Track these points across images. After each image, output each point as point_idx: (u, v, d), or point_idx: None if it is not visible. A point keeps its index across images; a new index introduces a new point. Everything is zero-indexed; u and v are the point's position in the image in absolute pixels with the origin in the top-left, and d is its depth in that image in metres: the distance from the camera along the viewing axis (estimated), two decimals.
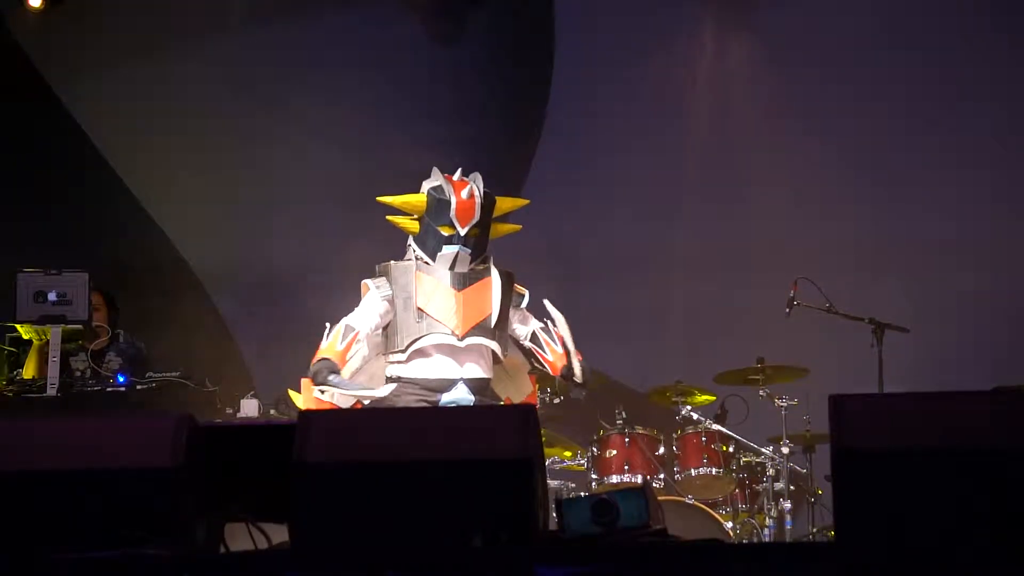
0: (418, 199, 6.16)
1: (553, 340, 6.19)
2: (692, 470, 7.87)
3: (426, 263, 6.13)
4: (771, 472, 7.88)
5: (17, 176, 9.54)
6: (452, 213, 6.06)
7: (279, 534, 4.24)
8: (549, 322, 6.19)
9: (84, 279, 7.52)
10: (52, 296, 7.45)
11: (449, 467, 4.02)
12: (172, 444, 4.10)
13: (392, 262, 6.22)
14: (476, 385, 6.08)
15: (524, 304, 6.25)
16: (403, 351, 6.05)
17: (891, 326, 7.80)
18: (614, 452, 7.87)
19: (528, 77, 9.76)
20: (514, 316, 6.22)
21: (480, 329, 6.07)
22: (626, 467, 7.83)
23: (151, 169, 9.62)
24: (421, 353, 6.07)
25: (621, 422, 7.99)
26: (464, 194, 6.08)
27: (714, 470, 7.85)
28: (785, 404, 7.91)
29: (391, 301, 6.10)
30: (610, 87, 9.55)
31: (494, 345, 6.10)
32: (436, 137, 9.50)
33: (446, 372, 6.05)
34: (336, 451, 4.04)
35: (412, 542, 3.96)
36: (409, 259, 6.19)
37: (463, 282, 6.11)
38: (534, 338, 6.22)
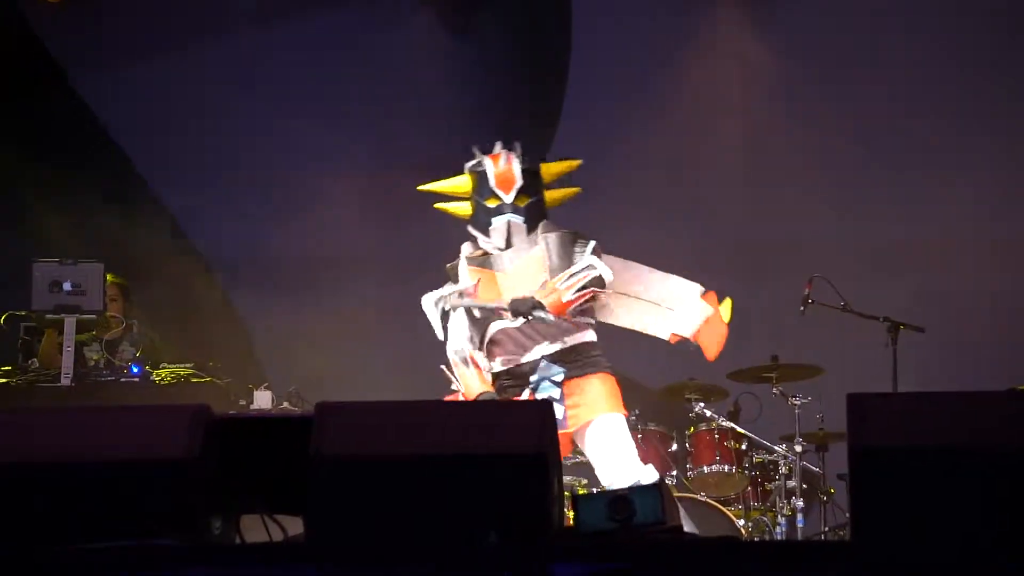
0: (461, 181, 6.13)
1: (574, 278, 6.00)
2: (705, 467, 7.87)
3: (479, 248, 6.06)
4: (784, 470, 7.87)
5: (34, 166, 9.55)
6: (492, 183, 6.01)
7: (294, 526, 4.25)
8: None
9: (99, 269, 7.54)
10: (67, 286, 7.48)
11: (465, 462, 4.02)
12: (188, 436, 4.10)
13: (449, 264, 6.18)
14: (558, 356, 5.94)
15: (589, 252, 6.05)
16: (480, 347, 5.99)
17: (906, 325, 7.78)
18: None
19: (545, 69, 9.74)
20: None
21: None
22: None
23: (167, 161, 9.62)
24: (496, 344, 5.99)
25: (634, 419, 7.96)
26: (501, 163, 6.03)
27: (727, 468, 7.84)
28: (799, 402, 7.90)
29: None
30: (627, 83, 9.53)
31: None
32: (450, 129, 9.49)
33: (524, 355, 5.94)
34: (353, 444, 4.04)
35: (427, 536, 3.96)
36: (461, 254, 6.16)
37: (510, 260, 6.02)
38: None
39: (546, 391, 5.91)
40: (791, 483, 7.82)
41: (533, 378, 5.94)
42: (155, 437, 4.16)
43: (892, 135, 9.21)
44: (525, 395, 5.95)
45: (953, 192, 9.00)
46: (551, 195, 6.16)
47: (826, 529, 7.97)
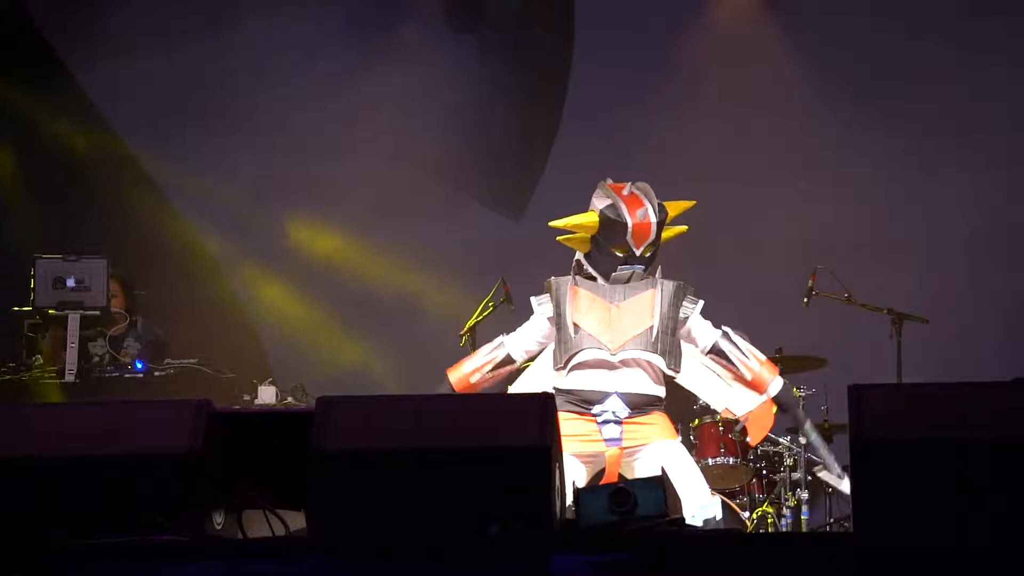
0: (590, 219, 5.87)
1: (739, 348, 5.94)
2: (709, 459, 7.85)
3: (592, 278, 5.92)
4: (788, 462, 7.86)
5: (37, 162, 9.56)
6: (628, 236, 5.81)
7: (297, 521, 4.25)
8: (729, 331, 5.95)
9: (102, 265, 7.54)
10: (70, 282, 7.47)
11: (466, 455, 4.02)
12: (190, 430, 4.11)
13: (554, 278, 5.99)
14: (633, 400, 5.84)
15: (697, 312, 5.95)
16: (563, 367, 5.86)
17: (910, 316, 7.79)
18: None
19: (546, 65, 9.73)
20: (688, 327, 5.94)
21: (637, 342, 5.82)
22: None
23: (171, 155, 9.62)
24: (579, 367, 5.86)
25: None
26: (639, 215, 5.81)
27: (731, 460, 7.82)
28: (803, 394, 7.88)
29: (552, 320, 5.93)
30: (629, 77, 9.52)
31: (655, 359, 5.83)
32: (452, 126, 9.50)
33: (600, 384, 5.83)
34: (354, 438, 4.04)
35: (429, 529, 3.97)
36: (568, 275, 5.98)
37: (623, 295, 5.88)
38: (715, 348, 5.94)
39: (605, 416, 5.83)
40: (796, 475, 7.81)
41: (597, 408, 5.83)
42: (158, 431, 4.16)
43: (896, 127, 9.19)
44: (576, 421, 5.85)
45: (957, 184, 8.99)
46: (664, 235, 5.98)
47: (831, 521, 7.97)
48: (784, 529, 7.69)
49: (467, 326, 7.81)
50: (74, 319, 7.38)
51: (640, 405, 5.88)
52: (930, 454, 3.90)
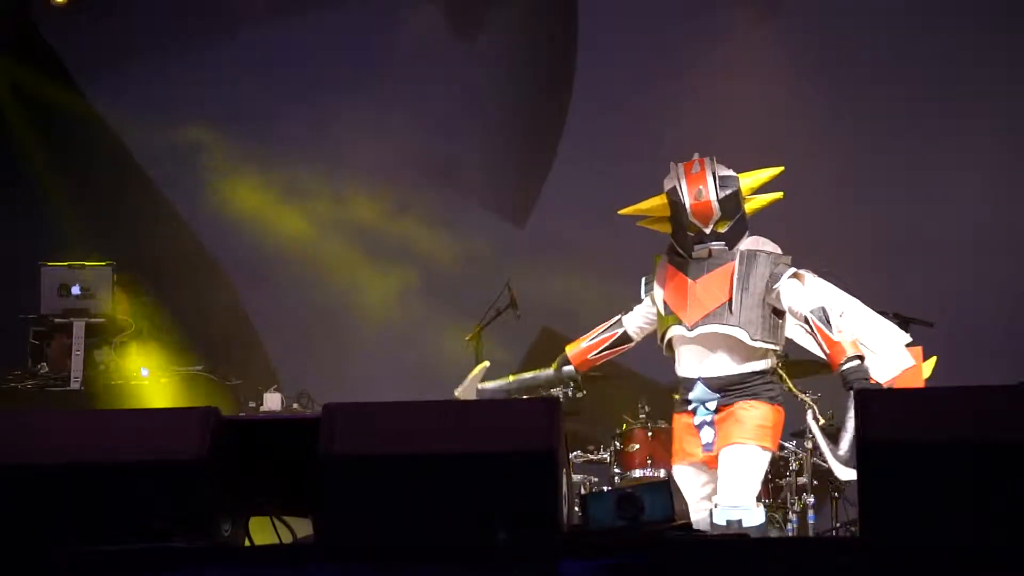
0: (660, 203, 5.94)
1: (827, 326, 5.74)
2: None
3: (680, 255, 5.94)
4: (794, 466, 7.85)
5: (42, 170, 9.56)
6: (690, 216, 5.85)
7: (303, 527, 4.26)
8: (826, 309, 5.77)
9: (108, 272, 7.56)
10: (75, 289, 7.49)
11: (473, 460, 4.02)
12: (197, 437, 4.11)
13: (658, 255, 6.05)
14: (716, 383, 5.80)
15: (786, 279, 5.82)
16: (661, 344, 5.94)
17: (915, 320, 7.76)
18: (637, 446, 7.84)
19: (551, 67, 9.73)
20: (778, 294, 5.80)
21: (715, 317, 5.78)
22: (649, 461, 7.80)
23: (177, 163, 9.62)
24: (671, 348, 5.91)
25: (644, 416, 7.97)
26: (696, 195, 5.82)
27: None
28: (811, 397, 7.85)
29: (653, 297, 5.99)
30: (633, 79, 9.52)
31: (737, 332, 5.77)
32: (455, 129, 9.50)
33: (688, 369, 5.85)
34: (360, 444, 4.04)
35: (436, 535, 3.97)
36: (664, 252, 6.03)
37: (703, 269, 5.86)
38: (806, 320, 5.77)
39: (701, 415, 5.83)
40: (802, 479, 7.80)
41: (692, 395, 5.85)
42: (164, 439, 4.17)
43: (899, 129, 9.18)
44: (687, 428, 5.90)
45: (961, 186, 8.97)
46: (752, 205, 6.01)
47: (837, 525, 7.96)
48: (790, 533, 7.69)
49: (474, 331, 7.82)
50: (79, 326, 7.40)
51: (725, 387, 5.81)
52: (935, 457, 3.90)
